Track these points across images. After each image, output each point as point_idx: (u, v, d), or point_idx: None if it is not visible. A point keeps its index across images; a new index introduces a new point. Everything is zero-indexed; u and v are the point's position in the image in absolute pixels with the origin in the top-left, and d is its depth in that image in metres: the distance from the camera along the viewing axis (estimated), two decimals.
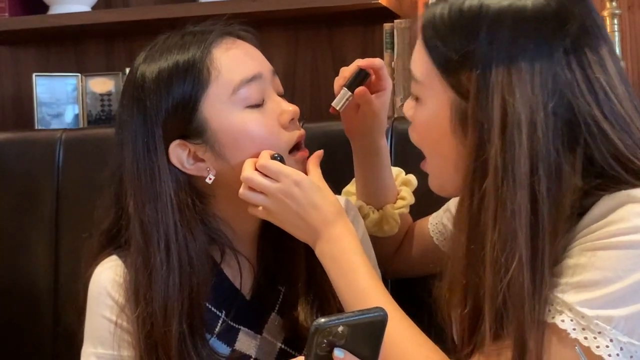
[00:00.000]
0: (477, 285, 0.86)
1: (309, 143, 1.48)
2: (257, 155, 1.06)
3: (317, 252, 1.03)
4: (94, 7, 1.98)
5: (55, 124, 1.94)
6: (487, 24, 0.85)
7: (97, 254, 1.13)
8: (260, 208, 1.04)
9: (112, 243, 1.13)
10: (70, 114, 1.95)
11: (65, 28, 1.89)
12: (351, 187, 1.33)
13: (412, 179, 1.31)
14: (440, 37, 0.89)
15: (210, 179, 1.08)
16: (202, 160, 1.08)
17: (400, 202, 1.28)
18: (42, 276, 1.64)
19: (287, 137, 1.09)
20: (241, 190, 1.04)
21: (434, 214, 1.29)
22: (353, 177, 1.40)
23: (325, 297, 1.12)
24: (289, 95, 1.91)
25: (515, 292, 0.82)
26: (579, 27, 0.85)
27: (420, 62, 0.93)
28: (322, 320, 0.83)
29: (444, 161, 0.94)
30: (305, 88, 1.88)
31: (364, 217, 1.27)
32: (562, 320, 0.82)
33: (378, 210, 1.27)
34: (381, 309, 0.86)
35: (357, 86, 1.16)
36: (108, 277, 1.10)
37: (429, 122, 0.93)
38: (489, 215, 0.84)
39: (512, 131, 0.83)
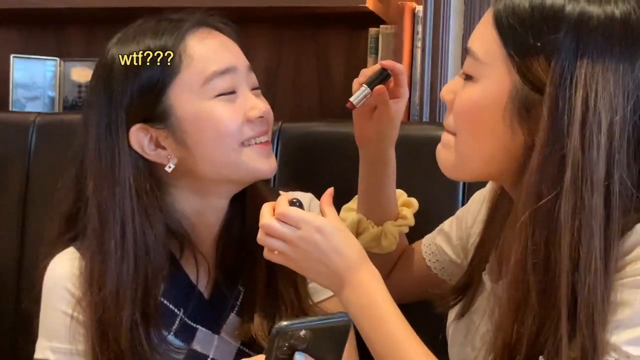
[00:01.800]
0: (542, 288, 0.83)
1: (289, 143, 1.47)
2: (220, 143, 1.05)
3: (343, 300, 1.00)
4: None
5: (30, 107, 1.90)
6: (575, 18, 0.84)
7: (55, 239, 1.12)
8: (277, 252, 1.01)
9: (71, 228, 1.11)
10: (46, 98, 1.92)
11: (47, 11, 1.86)
12: (352, 204, 1.31)
13: (414, 201, 1.30)
14: (520, 20, 0.87)
15: (170, 167, 1.08)
16: (164, 148, 1.08)
17: (401, 221, 1.27)
18: (7, 259, 1.62)
19: (248, 130, 1.08)
20: (259, 236, 1.01)
21: (427, 236, 1.27)
22: (330, 178, 1.39)
23: (282, 300, 1.11)
24: (270, 93, 1.90)
25: (590, 292, 0.81)
26: None
27: (485, 40, 0.91)
28: (284, 323, 0.82)
29: (480, 145, 0.92)
30: (287, 88, 1.87)
31: (363, 231, 1.25)
32: None
33: (378, 226, 1.25)
34: (345, 314, 0.85)
35: (377, 85, 1.15)
36: (64, 270, 1.08)
37: (479, 102, 0.91)
38: (567, 211, 0.82)
39: (592, 128, 0.82)
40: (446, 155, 0.97)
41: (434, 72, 1.56)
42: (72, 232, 1.12)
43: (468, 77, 0.93)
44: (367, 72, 1.17)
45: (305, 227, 0.98)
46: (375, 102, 1.17)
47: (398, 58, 1.58)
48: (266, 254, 1.02)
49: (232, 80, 1.08)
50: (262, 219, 1.00)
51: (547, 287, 0.83)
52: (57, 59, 1.93)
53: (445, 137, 0.98)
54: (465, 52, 0.94)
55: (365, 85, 1.15)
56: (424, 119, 1.57)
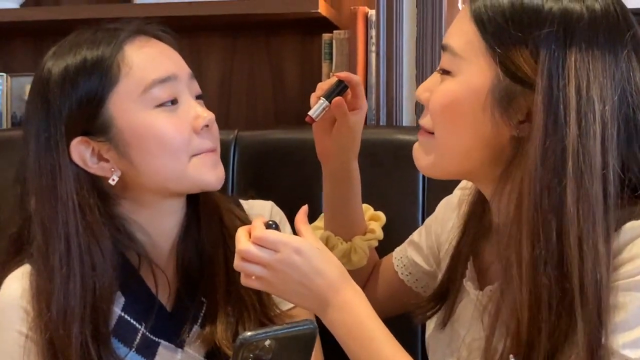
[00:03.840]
0: (557, 282, 0.83)
1: (245, 152, 1.46)
2: (166, 157, 1.03)
3: (327, 321, 0.97)
4: (22, 5, 1.90)
5: None
6: (559, 11, 0.85)
7: (5, 261, 1.08)
8: (254, 278, 0.97)
9: (22, 249, 1.08)
10: None
11: None
12: (319, 222, 1.29)
13: (381, 215, 1.29)
14: (501, 12, 0.87)
15: (113, 180, 1.05)
16: (107, 160, 1.05)
17: (369, 235, 1.25)
18: None
19: (197, 143, 1.06)
20: (236, 262, 0.97)
21: (398, 249, 1.26)
22: (288, 185, 1.38)
23: (245, 306, 1.09)
24: (224, 102, 1.88)
25: (598, 284, 0.81)
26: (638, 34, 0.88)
27: (463, 35, 0.90)
28: (248, 334, 0.80)
29: (459, 140, 0.91)
30: (241, 96, 1.85)
31: (332, 248, 1.23)
32: None
33: (346, 242, 1.24)
34: (310, 322, 0.84)
35: (335, 97, 1.14)
36: (17, 288, 1.05)
37: (458, 96, 0.90)
38: (572, 202, 0.82)
39: (588, 116, 0.83)
40: (423, 155, 0.97)
41: (389, 76, 1.56)
42: (22, 253, 1.08)
43: (445, 72, 0.93)
44: (323, 86, 1.16)
45: (284, 249, 0.95)
46: (334, 114, 1.15)
47: (352, 63, 1.58)
48: (243, 281, 0.99)
49: (173, 88, 1.05)
50: (239, 244, 0.97)
51: (561, 281, 0.83)
52: (4, 74, 1.88)
53: (422, 136, 0.98)
54: (441, 49, 0.95)
55: (323, 99, 1.13)
56: (381, 123, 1.56)
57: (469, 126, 0.90)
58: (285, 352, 0.82)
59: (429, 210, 1.37)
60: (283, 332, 0.82)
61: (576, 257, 0.82)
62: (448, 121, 0.92)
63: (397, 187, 1.39)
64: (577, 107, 0.83)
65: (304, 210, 1.01)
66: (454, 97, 0.91)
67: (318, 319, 0.98)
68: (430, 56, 1.53)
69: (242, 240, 0.97)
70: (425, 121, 0.97)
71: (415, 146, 0.99)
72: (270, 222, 0.98)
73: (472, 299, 1.02)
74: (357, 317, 0.96)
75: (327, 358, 1.18)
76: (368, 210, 1.29)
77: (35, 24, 1.82)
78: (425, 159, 0.97)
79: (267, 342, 0.81)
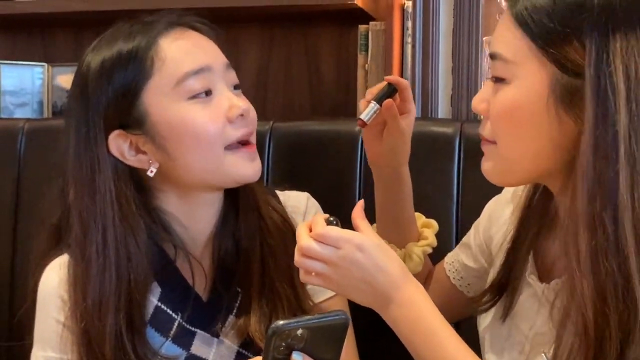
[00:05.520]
0: (619, 270, 0.82)
1: (281, 142, 1.47)
2: (202, 149, 1.04)
3: (389, 317, 0.97)
4: None
5: (19, 114, 1.89)
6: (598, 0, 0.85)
7: (45, 251, 1.11)
8: (314, 274, 0.97)
9: (61, 240, 1.10)
10: (35, 104, 1.91)
11: (33, 16, 1.85)
12: None
13: (434, 222, 1.28)
14: (545, 12, 0.87)
15: (152, 171, 1.06)
16: (144, 153, 1.06)
17: (423, 242, 1.25)
18: None
19: (230, 132, 1.06)
20: (296, 258, 0.98)
21: (450, 254, 1.25)
22: (322, 176, 1.38)
23: (279, 299, 1.10)
24: (261, 93, 1.89)
25: None
26: None
27: (510, 41, 0.90)
28: (281, 322, 0.81)
29: (525, 145, 0.91)
30: (277, 87, 1.86)
31: None
32: None
33: (400, 249, 1.23)
34: (343, 312, 0.84)
35: (385, 100, 1.15)
36: (55, 278, 1.07)
37: (518, 102, 0.90)
38: (625, 188, 0.82)
39: (638, 101, 0.82)
40: (490, 166, 0.96)
41: (425, 68, 1.55)
42: (61, 243, 1.11)
43: (499, 80, 0.92)
44: (373, 90, 1.17)
45: (346, 247, 0.95)
46: (384, 116, 1.16)
47: (388, 55, 1.57)
48: (303, 277, 0.99)
49: (206, 80, 1.06)
50: (300, 241, 0.97)
51: (622, 268, 0.82)
52: (45, 64, 1.91)
53: (485, 147, 0.97)
54: (490, 57, 0.94)
55: (374, 102, 1.14)
56: (416, 115, 1.55)
57: (534, 130, 0.89)
58: (317, 341, 0.83)
59: (464, 202, 1.37)
60: (315, 322, 0.83)
61: (633, 244, 0.81)
62: (511, 129, 0.91)
63: (432, 178, 1.39)
64: (626, 93, 0.82)
65: (360, 205, 1.00)
66: (515, 103, 0.90)
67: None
68: (467, 48, 1.52)
69: (304, 236, 0.97)
70: (486, 131, 0.96)
71: (483, 160, 0.98)
72: (332, 219, 0.98)
73: (534, 293, 1.01)
74: (419, 313, 0.96)
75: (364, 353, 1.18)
76: (420, 218, 1.29)
77: (75, 15, 1.84)
78: (494, 170, 0.96)
79: (299, 332, 0.82)
